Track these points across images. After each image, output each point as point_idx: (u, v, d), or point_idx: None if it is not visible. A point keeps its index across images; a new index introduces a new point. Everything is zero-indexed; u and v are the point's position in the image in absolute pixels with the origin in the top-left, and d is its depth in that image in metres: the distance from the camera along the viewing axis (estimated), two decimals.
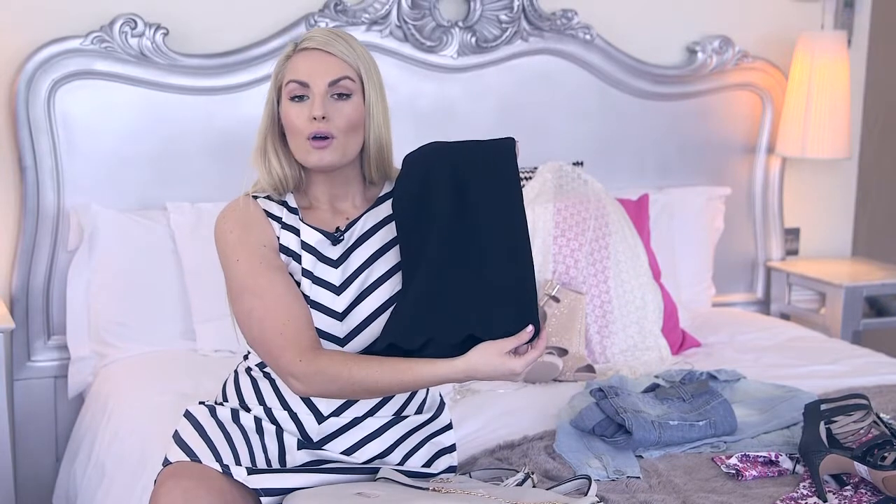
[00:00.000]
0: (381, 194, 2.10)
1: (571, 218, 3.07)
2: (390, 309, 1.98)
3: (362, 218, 2.06)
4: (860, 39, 3.97)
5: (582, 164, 3.35)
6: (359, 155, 2.06)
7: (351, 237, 2.04)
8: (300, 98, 2.00)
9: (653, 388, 2.54)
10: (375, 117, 2.03)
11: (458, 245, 1.91)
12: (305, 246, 2.02)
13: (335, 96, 1.99)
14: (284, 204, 2.06)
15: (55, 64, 2.97)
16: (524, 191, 2.86)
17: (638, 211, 3.30)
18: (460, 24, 3.34)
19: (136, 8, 3.05)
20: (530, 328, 1.87)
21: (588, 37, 3.48)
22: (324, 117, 1.97)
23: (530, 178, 3.19)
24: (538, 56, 3.46)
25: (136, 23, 3.02)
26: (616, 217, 3.14)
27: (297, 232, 2.03)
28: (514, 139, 1.98)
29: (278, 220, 2.04)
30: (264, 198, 2.07)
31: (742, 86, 3.72)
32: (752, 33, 3.76)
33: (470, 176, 1.93)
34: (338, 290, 2.00)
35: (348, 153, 2.02)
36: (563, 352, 2.85)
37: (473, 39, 3.35)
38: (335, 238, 2.03)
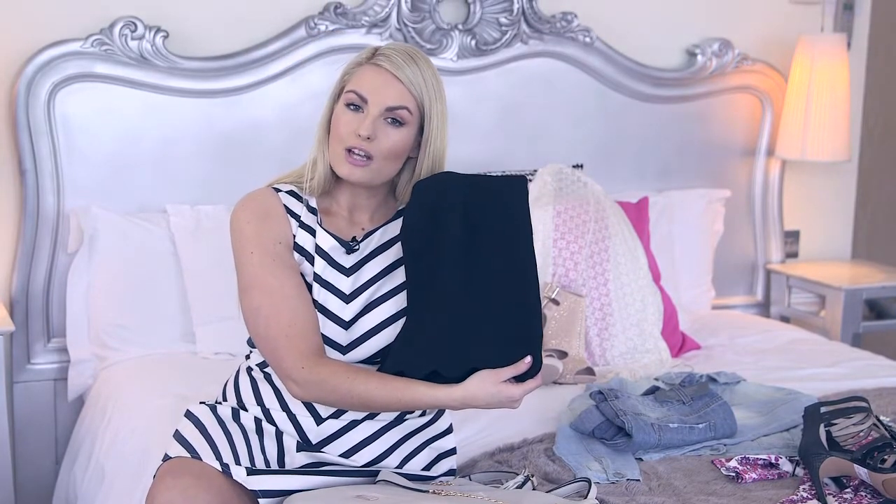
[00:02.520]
0: (399, 208, 2.10)
1: (571, 220, 3.07)
2: (395, 323, 1.99)
3: (379, 230, 2.06)
4: (860, 42, 3.97)
5: (582, 166, 3.35)
6: (395, 176, 2.06)
7: (366, 248, 2.04)
8: (356, 108, 1.99)
9: (652, 391, 2.54)
10: (432, 148, 2.03)
11: (465, 281, 1.91)
12: (319, 250, 2.01)
13: (389, 120, 1.99)
14: (305, 203, 2.05)
15: (55, 67, 2.97)
16: None
17: (638, 213, 3.30)
18: (460, 26, 3.34)
19: (137, 10, 3.05)
20: (528, 359, 1.88)
21: (588, 39, 3.48)
22: (368, 138, 1.96)
23: (530, 180, 3.18)
24: (538, 59, 3.46)
25: (136, 25, 3.02)
26: (616, 219, 3.14)
27: (313, 233, 2.02)
28: (525, 178, 1.99)
29: (297, 217, 2.03)
30: (286, 192, 2.05)
31: (742, 88, 3.72)
32: (752, 36, 3.76)
33: (481, 213, 1.94)
34: (347, 298, 2.00)
35: (380, 177, 2.02)
36: (562, 354, 2.85)
37: (473, 42, 3.35)
38: (350, 247, 2.03)
